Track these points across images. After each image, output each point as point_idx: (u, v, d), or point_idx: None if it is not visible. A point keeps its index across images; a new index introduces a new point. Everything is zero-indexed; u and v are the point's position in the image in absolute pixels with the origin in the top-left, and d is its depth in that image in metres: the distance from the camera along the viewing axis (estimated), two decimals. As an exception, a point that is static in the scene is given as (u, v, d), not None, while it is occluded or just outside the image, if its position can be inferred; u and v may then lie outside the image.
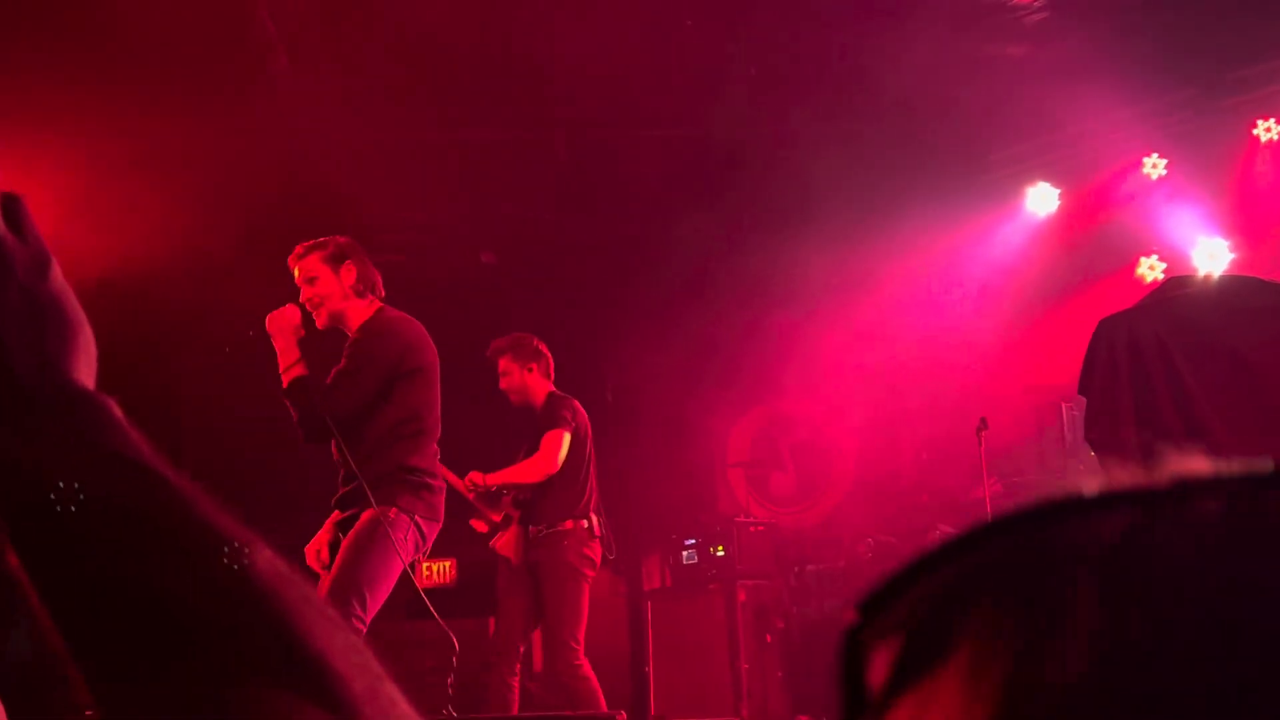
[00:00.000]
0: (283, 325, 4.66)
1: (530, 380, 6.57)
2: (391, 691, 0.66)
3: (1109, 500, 0.44)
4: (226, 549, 0.66)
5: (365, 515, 4.56)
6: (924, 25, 7.18)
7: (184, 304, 7.91)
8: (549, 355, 6.71)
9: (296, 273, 4.83)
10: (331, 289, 4.78)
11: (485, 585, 8.47)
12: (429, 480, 4.76)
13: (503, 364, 6.61)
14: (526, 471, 6.30)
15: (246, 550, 0.67)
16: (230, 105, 7.34)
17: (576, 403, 6.59)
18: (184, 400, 8.61)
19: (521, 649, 6.49)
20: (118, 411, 0.72)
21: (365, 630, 4.43)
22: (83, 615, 0.65)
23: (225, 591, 0.65)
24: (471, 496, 6.35)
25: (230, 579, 0.65)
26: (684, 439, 9.83)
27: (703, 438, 9.91)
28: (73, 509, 0.65)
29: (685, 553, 8.32)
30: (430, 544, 4.88)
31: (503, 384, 6.60)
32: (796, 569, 8.67)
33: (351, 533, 4.57)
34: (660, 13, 7.19)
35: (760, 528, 8.34)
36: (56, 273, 0.76)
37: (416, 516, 4.65)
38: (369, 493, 4.52)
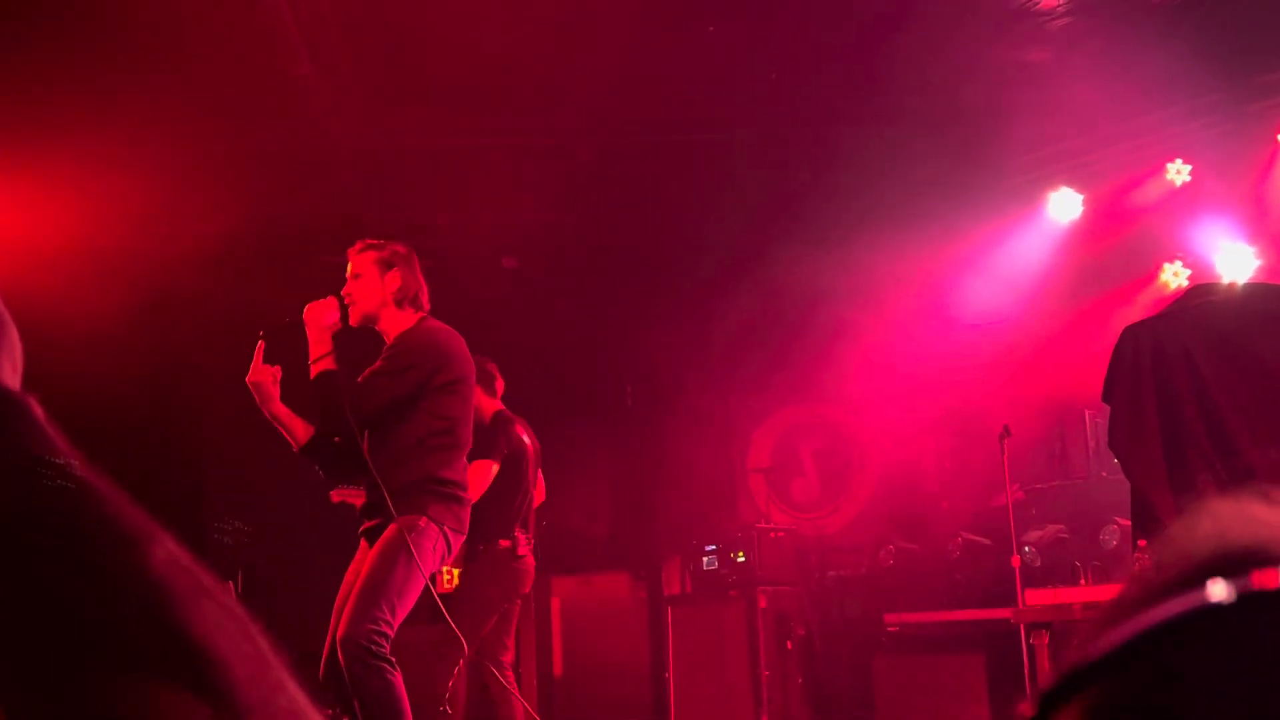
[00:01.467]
0: (320, 317, 4.70)
1: (480, 400, 6.53)
2: (279, 677, 0.68)
3: None
4: (124, 543, 0.68)
5: (392, 526, 4.55)
6: (948, 30, 7.17)
7: (208, 304, 7.95)
8: (499, 376, 6.89)
9: (349, 268, 4.89)
10: (372, 290, 4.82)
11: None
12: (458, 492, 4.76)
13: None
14: None
15: (144, 544, 0.68)
16: (254, 110, 7.38)
17: (519, 426, 6.73)
18: (209, 401, 8.64)
19: (502, 653, 6.57)
20: (38, 410, 0.73)
21: (393, 637, 4.44)
22: None
23: (115, 586, 0.66)
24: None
25: (124, 572, 0.67)
26: (704, 444, 9.82)
27: (723, 443, 9.91)
28: None
29: (706, 559, 8.31)
30: (454, 555, 4.90)
31: None
32: (818, 575, 8.66)
33: (380, 541, 4.57)
34: (683, 17, 7.19)
35: (781, 534, 8.32)
36: None
37: (445, 527, 4.65)
38: (389, 502, 4.52)
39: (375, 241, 4.92)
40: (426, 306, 4.96)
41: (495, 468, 6.44)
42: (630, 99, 7.85)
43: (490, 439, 6.50)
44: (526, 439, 6.76)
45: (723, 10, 7.21)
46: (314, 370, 4.66)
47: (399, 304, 4.85)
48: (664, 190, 8.88)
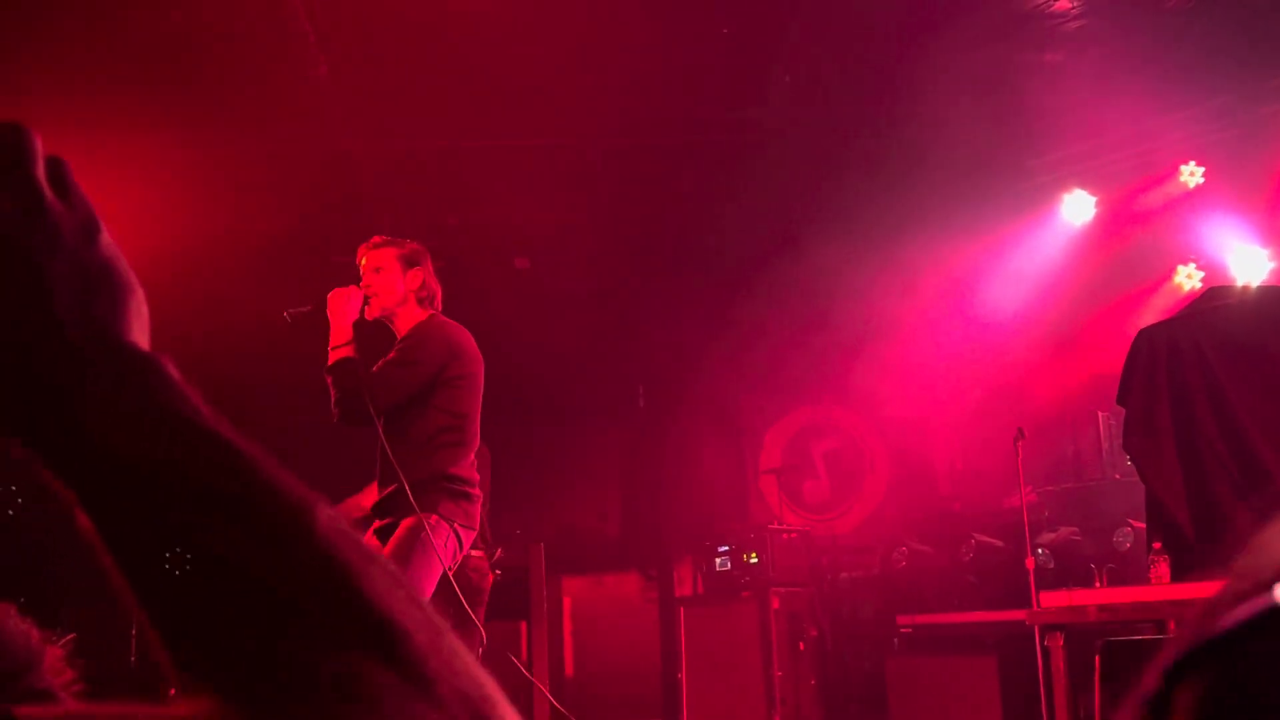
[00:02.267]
0: (343, 305, 4.66)
1: None
2: (453, 643, 0.67)
3: None
4: (291, 509, 0.66)
5: (406, 522, 4.57)
6: (962, 33, 7.17)
7: (221, 304, 7.97)
8: None
9: (364, 261, 4.84)
10: (394, 286, 4.80)
11: (518, 589, 8.51)
12: (468, 489, 4.77)
13: None
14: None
15: (311, 510, 0.67)
16: (270, 111, 7.40)
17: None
18: (220, 403, 8.66)
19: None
20: (174, 370, 0.71)
21: None
22: (156, 582, 0.65)
23: (293, 552, 0.65)
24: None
25: (296, 539, 0.65)
26: (716, 445, 9.84)
27: (735, 444, 9.92)
28: (137, 471, 0.65)
29: (718, 560, 8.31)
30: (465, 551, 4.91)
31: None
32: (830, 577, 8.66)
33: (393, 540, 4.58)
34: (697, 18, 7.20)
35: (793, 535, 8.33)
36: (105, 237, 0.75)
37: (456, 525, 4.66)
38: (411, 498, 4.52)
39: (395, 238, 4.92)
40: (440, 306, 4.96)
41: None
42: (643, 100, 7.86)
43: None
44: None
45: (737, 11, 7.22)
46: (333, 357, 4.63)
47: (419, 302, 4.85)
48: (676, 191, 8.89)
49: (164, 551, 0.64)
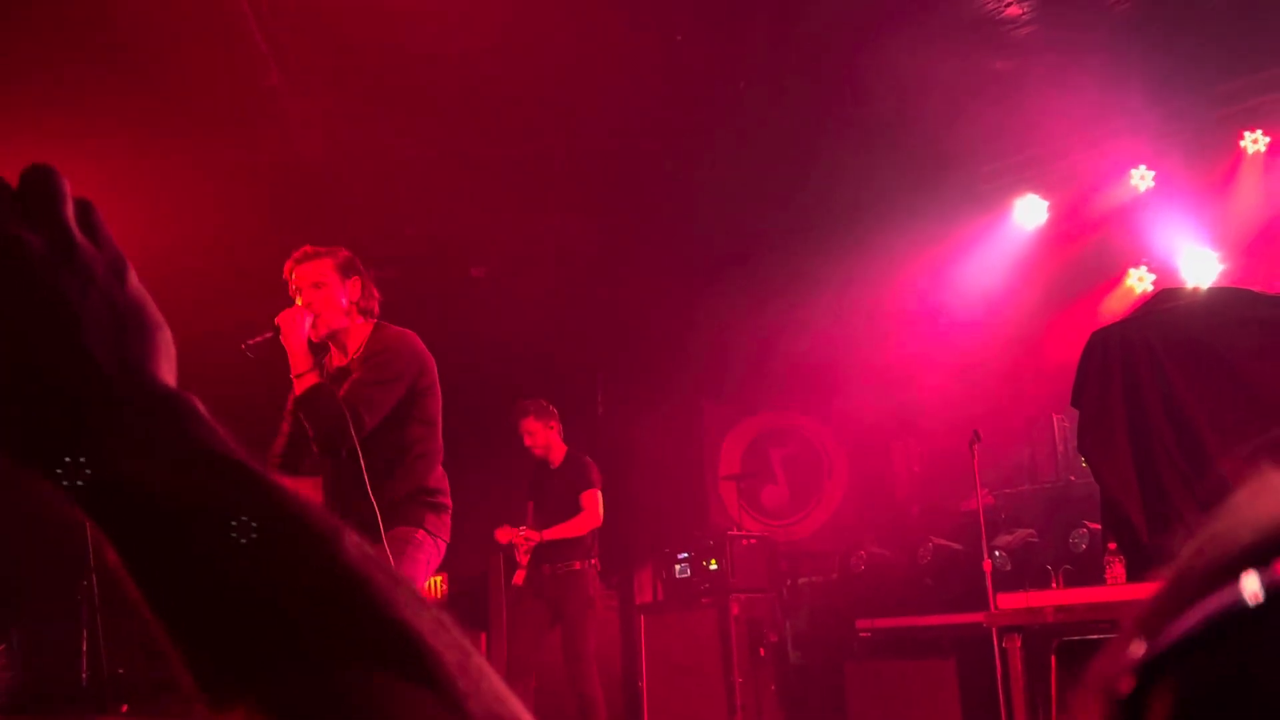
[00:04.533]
0: (296, 327, 4.34)
1: (554, 438, 7.43)
2: (480, 663, 0.68)
3: None
4: (319, 538, 0.68)
5: (395, 534, 4.45)
6: (914, 40, 7.21)
7: (177, 317, 7.87)
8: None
9: (295, 276, 4.51)
10: (336, 300, 4.51)
11: (475, 601, 8.47)
12: (445, 500, 4.68)
13: (527, 424, 7.41)
14: (578, 527, 7.14)
15: (337, 538, 0.68)
16: (222, 120, 7.33)
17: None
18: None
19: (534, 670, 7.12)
20: (202, 408, 0.73)
21: None
22: (191, 616, 0.66)
23: (323, 581, 0.67)
24: (526, 549, 7.05)
25: (326, 568, 0.67)
26: (676, 452, 9.84)
27: (694, 451, 9.92)
28: (170, 508, 0.67)
29: (678, 566, 8.31)
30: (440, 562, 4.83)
31: (528, 441, 7.40)
32: (790, 582, 8.67)
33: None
34: (650, 26, 7.20)
35: (753, 541, 8.33)
36: (133, 276, 0.77)
37: (439, 537, 4.59)
38: (379, 520, 4.33)
39: (320, 248, 4.56)
40: (379, 313, 4.70)
41: (601, 494, 7.34)
42: (598, 107, 7.85)
43: (590, 472, 7.36)
44: None
45: (691, 20, 7.23)
46: (300, 386, 4.34)
47: (362, 312, 4.59)
48: (633, 198, 8.89)
49: (198, 585, 0.66)
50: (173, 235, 7.60)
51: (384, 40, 6.85)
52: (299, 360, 4.35)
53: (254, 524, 0.67)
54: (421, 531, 4.48)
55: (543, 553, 7.06)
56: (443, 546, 4.64)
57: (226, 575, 0.66)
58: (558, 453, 7.41)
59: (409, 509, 4.49)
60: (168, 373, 0.75)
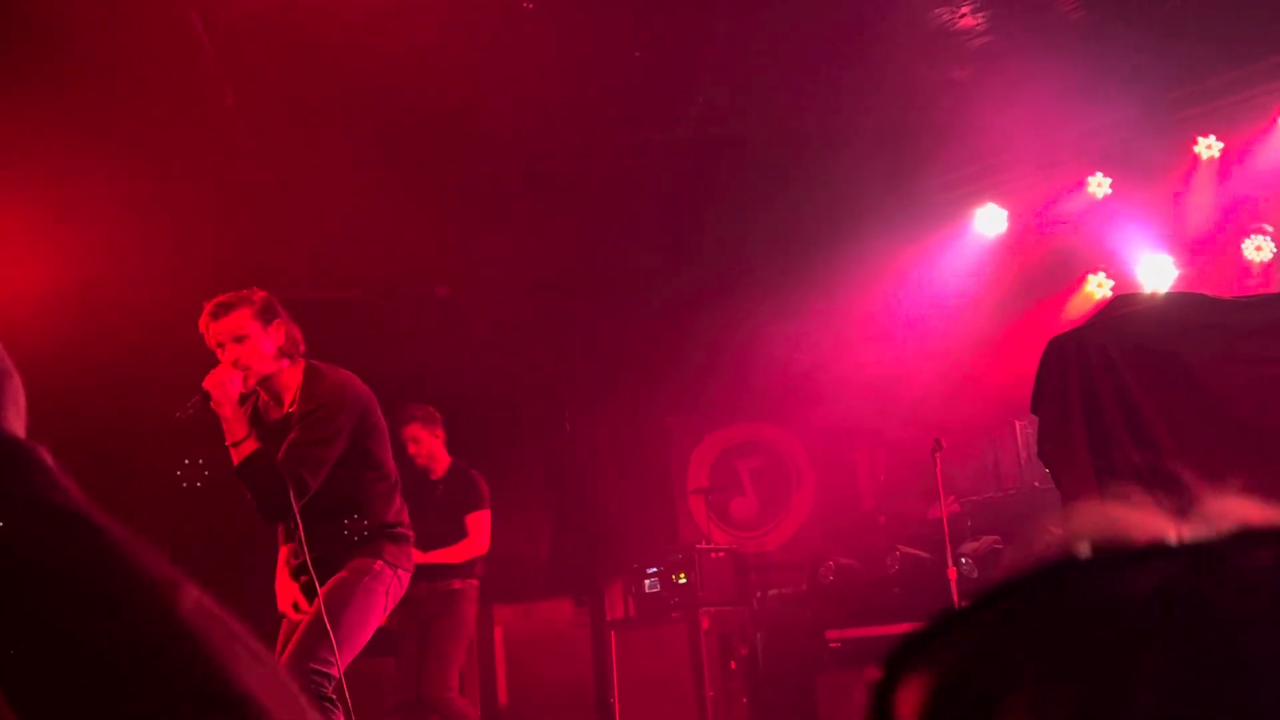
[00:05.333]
0: (226, 390, 4.16)
1: (438, 447, 7.00)
2: (315, 718, 0.69)
3: (1154, 553, 0.49)
4: (154, 591, 0.68)
5: (352, 565, 4.46)
6: (871, 51, 7.26)
7: (128, 347, 7.81)
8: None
9: (212, 331, 4.30)
10: (263, 349, 4.31)
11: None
12: (406, 531, 4.71)
13: (412, 431, 6.86)
14: (461, 553, 6.73)
15: (172, 590, 0.68)
16: (177, 145, 7.30)
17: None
18: (138, 452, 8.46)
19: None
20: (48, 458, 0.72)
21: (336, 678, 4.30)
22: (19, 664, 0.65)
23: (157, 632, 0.66)
24: None
25: (161, 620, 0.67)
26: (643, 467, 9.84)
27: (662, 465, 9.92)
28: (9, 555, 0.66)
29: (648, 581, 8.30)
30: (403, 593, 4.78)
31: (411, 450, 6.84)
32: (759, 594, 8.68)
33: (334, 581, 4.42)
34: (607, 43, 7.23)
35: (722, 554, 8.34)
36: None
37: (400, 568, 4.60)
38: (310, 564, 4.30)
39: (237, 295, 4.35)
40: (304, 349, 4.53)
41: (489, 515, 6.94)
42: (557, 125, 7.87)
43: (477, 491, 6.93)
44: None
45: (647, 37, 7.25)
46: (237, 456, 4.18)
47: (289, 355, 4.41)
48: (595, 215, 8.90)
49: (30, 633, 0.65)
50: (127, 260, 7.56)
51: (340, 62, 6.84)
52: (233, 428, 4.20)
53: (87, 576, 0.67)
54: (380, 562, 4.51)
55: (418, 570, 6.59)
56: (405, 576, 4.66)
57: (58, 626, 0.65)
58: (441, 463, 6.99)
59: (369, 543, 4.51)
60: (15, 421, 0.74)
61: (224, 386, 4.17)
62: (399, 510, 4.71)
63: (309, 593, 4.49)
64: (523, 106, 7.59)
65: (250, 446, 4.19)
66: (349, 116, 7.48)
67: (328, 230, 8.44)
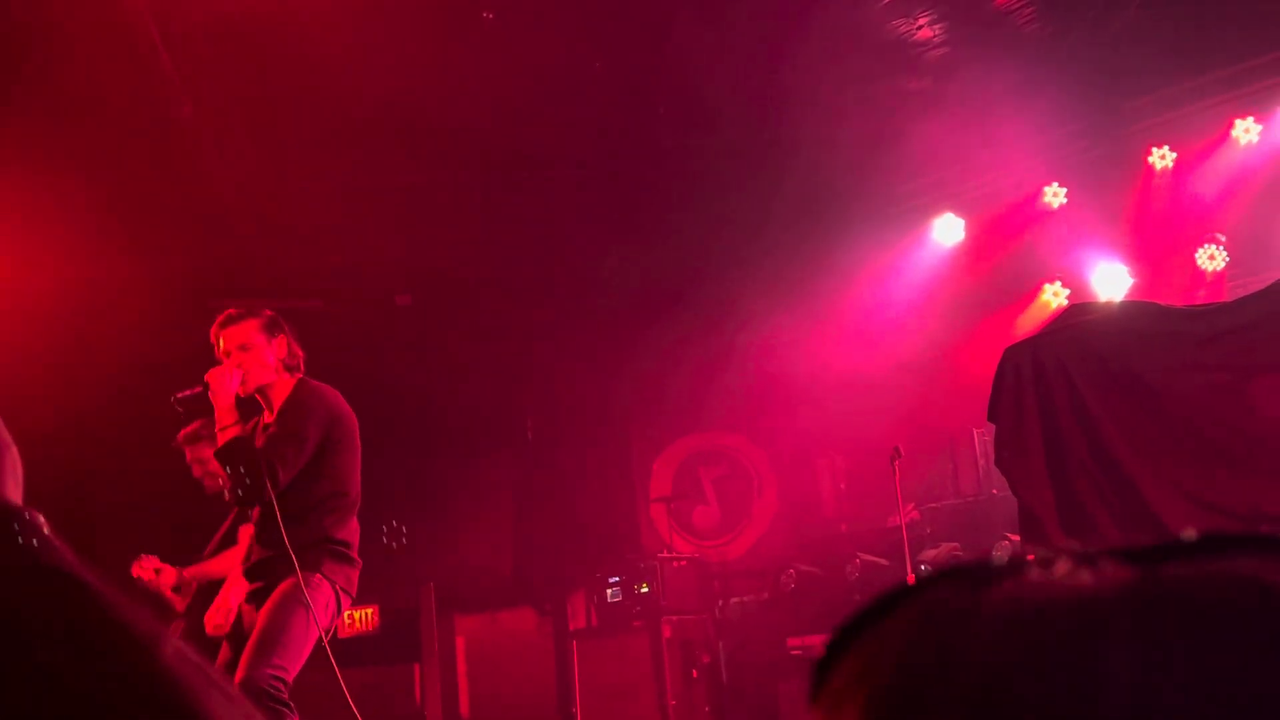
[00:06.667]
0: (225, 384, 4.61)
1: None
2: None
3: (944, 576, 0.55)
4: (139, 642, 0.73)
5: (287, 581, 4.53)
6: (829, 61, 7.31)
7: (98, 352, 7.76)
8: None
9: (223, 340, 4.73)
10: (264, 359, 4.73)
11: (409, 631, 8.39)
12: (352, 554, 4.79)
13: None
14: (225, 567, 6.00)
15: (156, 642, 0.73)
16: (137, 154, 7.25)
17: None
18: (99, 460, 8.39)
19: None
20: (44, 523, 0.78)
21: (288, 690, 4.40)
22: (14, 713, 0.69)
23: (139, 679, 0.71)
24: (165, 585, 5.81)
25: (143, 667, 0.72)
26: (606, 476, 9.84)
27: (624, 474, 9.93)
28: (6, 614, 0.71)
29: (610, 591, 8.31)
30: (342, 616, 4.88)
31: (196, 472, 5.99)
32: (721, 602, 8.70)
33: (275, 596, 4.54)
34: (567, 56, 7.24)
35: (684, 563, 8.36)
36: None
37: (338, 586, 4.66)
38: (294, 560, 4.48)
39: (248, 308, 4.82)
40: (304, 369, 4.92)
41: None
42: (517, 133, 7.86)
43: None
44: None
45: (608, 47, 7.28)
46: (221, 439, 4.60)
47: (289, 369, 4.81)
48: (557, 223, 8.91)
49: (26, 682, 0.69)
50: (88, 270, 7.50)
51: (298, 69, 6.81)
52: (223, 414, 4.62)
53: (82, 629, 0.72)
54: (318, 575, 4.60)
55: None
56: (345, 599, 4.72)
57: (51, 673, 0.70)
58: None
59: (310, 555, 4.61)
60: (13, 489, 0.80)
61: (222, 379, 4.61)
62: (351, 532, 4.82)
63: (258, 599, 4.64)
64: (485, 115, 7.59)
65: (234, 431, 4.60)
66: (308, 125, 7.45)
67: (288, 239, 8.41)
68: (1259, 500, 5.11)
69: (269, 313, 4.83)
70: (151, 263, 7.93)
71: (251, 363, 4.71)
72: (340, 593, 4.68)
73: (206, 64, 6.72)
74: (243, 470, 4.55)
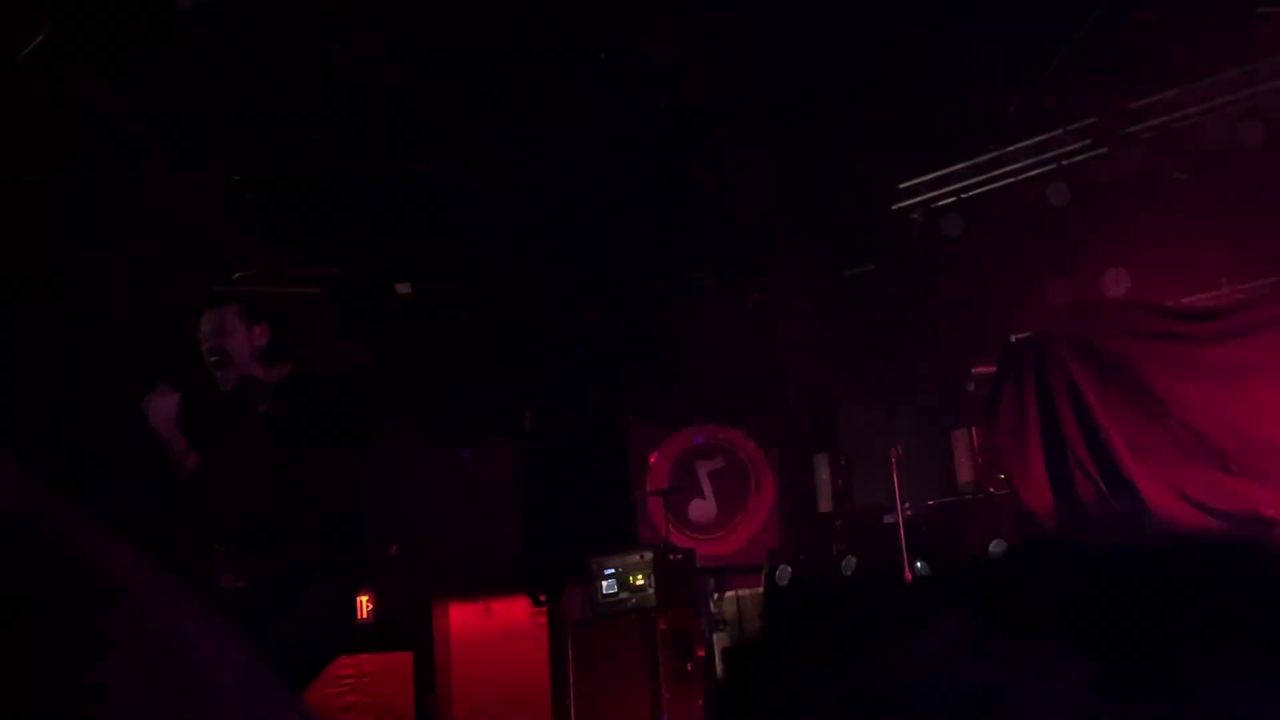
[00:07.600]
0: (165, 414, 4.30)
1: None
2: None
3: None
4: (80, 605, 0.63)
5: None
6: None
7: (78, 344, 7.71)
8: None
9: (200, 327, 4.47)
10: (243, 348, 4.44)
11: (404, 620, 8.41)
12: None
13: None
14: None
15: (101, 604, 0.64)
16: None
17: None
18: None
19: None
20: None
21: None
22: None
23: (64, 654, 0.62)
24: None
25: (75, 639, 0.62)
26: (603, 468, 9.84)
27: (621, 466, 9.93)
28: None
29: (605, 583, 8.30)
30: None
31: None
32: (716, 596, 8.70)
33: None
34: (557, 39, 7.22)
35: (679, 556, 8.35)
36: None
37: None
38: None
39: (228, 293, 4.77)
40: (287, 354, 4.67)
41: None
42: (512, 120, 7.84)
43: None
44: None
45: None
46: (187, 470, 4.33)
47: (271, 360, 4.52)
48: (555, 214, 8.89)
49: None
50: (74, 258, 7.47)
51: (306, 55, 6.79)
52: (175, 443, 4.30)
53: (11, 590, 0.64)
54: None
55: None
56: None
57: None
58: None
59: None
60: None
61: (161, 411, 4.28)
62: None
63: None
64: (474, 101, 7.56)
65: (195, 463, 4.34)
66: (315, 112, 7.43)
67: (283, 228, 8.39)
68: (1257, 502, 5.12)
69: (248, 301, 4.64)
70: (141, 246, 7.91)
71: (231, 351, 4.43)
72: None
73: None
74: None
